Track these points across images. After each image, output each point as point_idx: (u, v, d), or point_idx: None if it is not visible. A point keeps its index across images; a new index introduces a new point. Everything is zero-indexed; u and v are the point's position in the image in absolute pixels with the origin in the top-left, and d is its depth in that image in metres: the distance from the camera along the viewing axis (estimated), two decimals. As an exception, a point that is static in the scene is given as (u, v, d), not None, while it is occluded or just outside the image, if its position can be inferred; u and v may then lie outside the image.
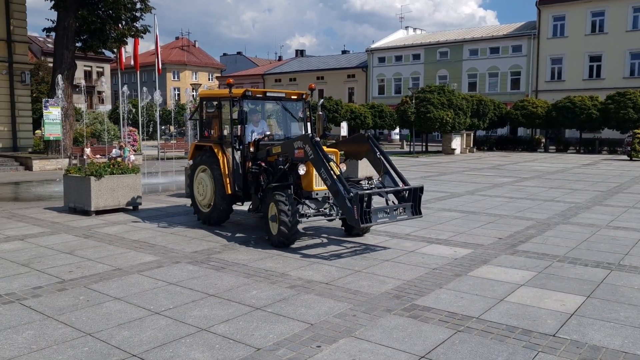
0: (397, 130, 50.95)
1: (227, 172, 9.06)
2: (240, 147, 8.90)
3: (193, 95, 33.10)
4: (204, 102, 10.11)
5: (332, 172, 7.41)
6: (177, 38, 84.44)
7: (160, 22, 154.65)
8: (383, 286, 6.01)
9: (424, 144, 37.57)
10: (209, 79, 78.34)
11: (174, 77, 75.81)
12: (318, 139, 7.88)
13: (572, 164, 25.55)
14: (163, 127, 51.00)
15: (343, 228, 8.87)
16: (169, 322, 4.92)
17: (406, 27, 62.19)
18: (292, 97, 9.64)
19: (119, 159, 15.11)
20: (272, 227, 7.90)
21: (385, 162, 8.37)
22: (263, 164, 8.62)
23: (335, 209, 8.09)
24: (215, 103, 9.84)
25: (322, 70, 62.39)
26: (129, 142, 25.49)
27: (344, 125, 37.34)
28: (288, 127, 10.04)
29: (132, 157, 21.51)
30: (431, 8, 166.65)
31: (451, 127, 33.56)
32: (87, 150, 21.62)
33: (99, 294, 5.73)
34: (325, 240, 8.47)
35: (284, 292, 5.80)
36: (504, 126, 41.18)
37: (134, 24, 26.05)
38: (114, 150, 21.02)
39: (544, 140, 39.86)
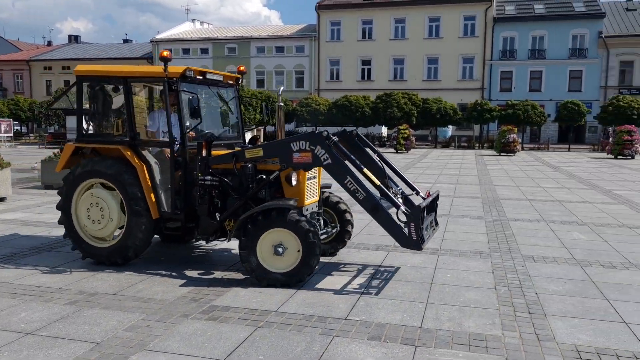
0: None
1: (150, 186, 6.36)
2: (178, 147, 6.33)
3: None
4: (87, 85, 6.82)
5: (358, 180, 5.78)
6: None
7: None
8: (179, 290, 5.67)
9: (215, 139, 37.36)
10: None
11: None
12: (336, 138, 5.98)
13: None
14: None
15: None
16: None
17: (193, 20, 61.06)
18: (229, 81, 7.37)
19: None
20: (278, 260, 5.77)
21: (383, 164, 6.81)
22: (216, 174, 6.30)
23: (329, 226, 6.73)
24: (114, 87, 6.75)
25: (102, 59, 57.30)
26: None
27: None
28: (216, 119, 7.82)
29: None
30: (217, 3, 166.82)
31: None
32: None
33: None
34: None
35: (61, 310, 5.04)
36: (291, 122, 43.44)
37: None
38: None
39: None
